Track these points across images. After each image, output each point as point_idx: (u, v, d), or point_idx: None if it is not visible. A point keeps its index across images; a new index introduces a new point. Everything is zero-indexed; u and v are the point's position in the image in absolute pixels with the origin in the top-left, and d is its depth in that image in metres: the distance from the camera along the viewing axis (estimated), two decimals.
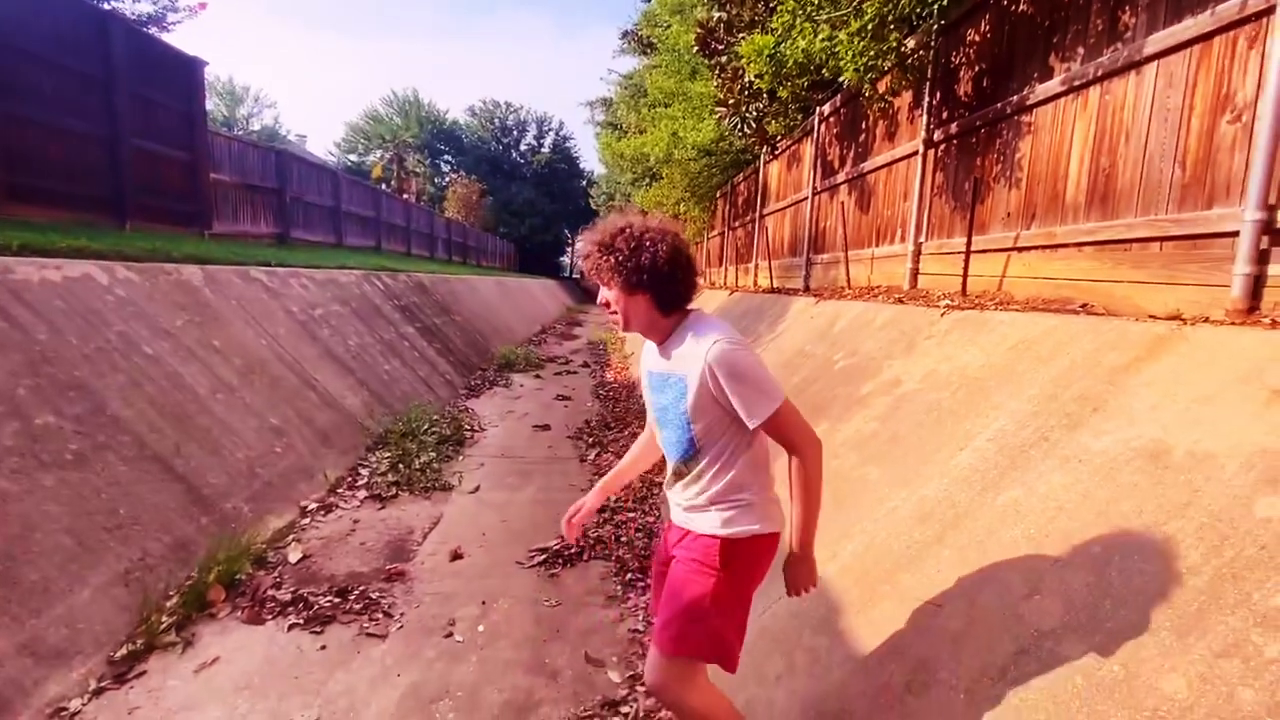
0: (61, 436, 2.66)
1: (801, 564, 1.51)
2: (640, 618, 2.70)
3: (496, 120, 45.51)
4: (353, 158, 39.74)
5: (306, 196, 10.80)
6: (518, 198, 42.03)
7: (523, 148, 46.69)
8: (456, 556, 3.24)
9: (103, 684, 2.12)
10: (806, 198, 6.87)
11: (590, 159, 51.93)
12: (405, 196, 25.23)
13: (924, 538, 1.92)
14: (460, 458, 4.88)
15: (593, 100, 24.53)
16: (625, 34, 16.43)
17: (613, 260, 1.45)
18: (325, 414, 4.57)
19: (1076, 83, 2.93)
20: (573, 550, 3.30)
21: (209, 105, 8.06)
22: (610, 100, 21.98)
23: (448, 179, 40.16)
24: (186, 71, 7.32)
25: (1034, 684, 1.32)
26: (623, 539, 3.45)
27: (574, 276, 54.93)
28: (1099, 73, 2.79)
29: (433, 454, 4.70)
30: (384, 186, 23.53)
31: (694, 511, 1.53)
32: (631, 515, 3.76)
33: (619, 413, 6.53)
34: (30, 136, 5.27)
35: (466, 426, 5.70)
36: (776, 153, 8.15)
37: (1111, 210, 2.73)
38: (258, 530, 3.18)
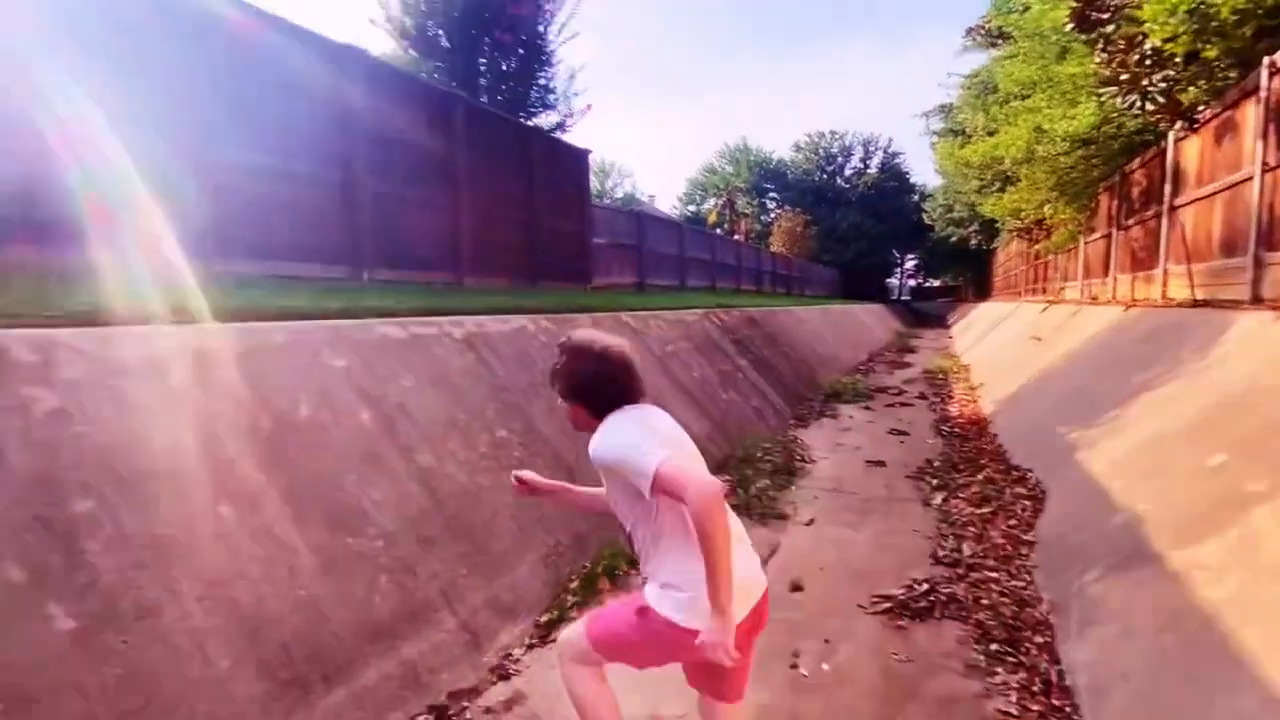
0: (510, 445, 3.62)
1: (715, 620, 1.43)
2: (1013, 699, 2.32)
3: (820, 150, 45.75)
4: (691, 208, 44.68)
5: (658, 248, 12.58)
6: (841, 224, 41.32)
7: (847, 172, 45.92)
8: (796, 588, 3.29)
9: (532, 641, 2.76)
10: (1250, 176, 5.10)
11: (923, 172, 47.88)
12: (736, 238, 27.12)
13: None
14: (793, 488, 4.95)
15: (929, 110, 22.77)
16: (969, 30, 14.97)
17: (553, 372, 1.72)
18: None
19: None
20: (921, 604, 3.04)
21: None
22: (950, 106, 20.11)
23: (773, 214, 41.86)
24: (578, 161, 9.35)
25: None
26: (983, 601, 3.03)
27: (903, 299, 50.71)
28: None
29: (767, 481, 4.88)
30: (718, 230, 25.72)
31: (646, 583, 1.67)
32: (993, 575, 3.28)
33: (968, 452, 5.77)
34: (489, 228, 7.39)
35: (797, 456, 5.77)
36: (1195, 126, 6.28)
37: None
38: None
